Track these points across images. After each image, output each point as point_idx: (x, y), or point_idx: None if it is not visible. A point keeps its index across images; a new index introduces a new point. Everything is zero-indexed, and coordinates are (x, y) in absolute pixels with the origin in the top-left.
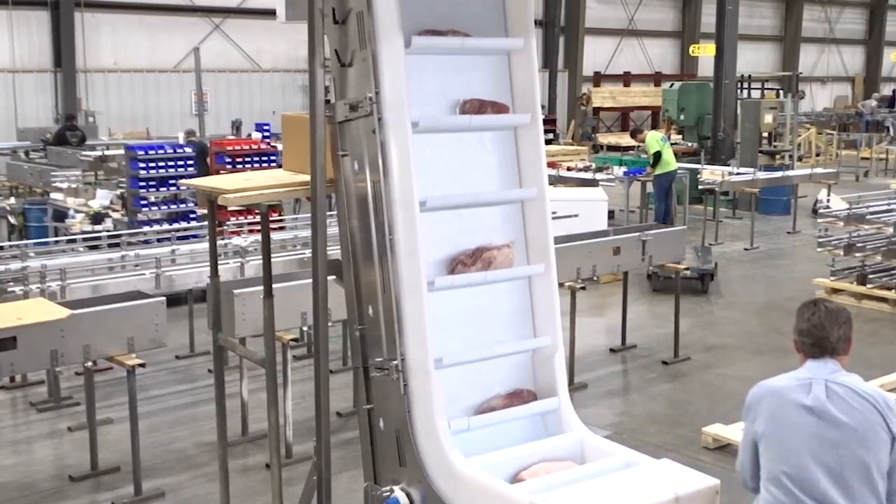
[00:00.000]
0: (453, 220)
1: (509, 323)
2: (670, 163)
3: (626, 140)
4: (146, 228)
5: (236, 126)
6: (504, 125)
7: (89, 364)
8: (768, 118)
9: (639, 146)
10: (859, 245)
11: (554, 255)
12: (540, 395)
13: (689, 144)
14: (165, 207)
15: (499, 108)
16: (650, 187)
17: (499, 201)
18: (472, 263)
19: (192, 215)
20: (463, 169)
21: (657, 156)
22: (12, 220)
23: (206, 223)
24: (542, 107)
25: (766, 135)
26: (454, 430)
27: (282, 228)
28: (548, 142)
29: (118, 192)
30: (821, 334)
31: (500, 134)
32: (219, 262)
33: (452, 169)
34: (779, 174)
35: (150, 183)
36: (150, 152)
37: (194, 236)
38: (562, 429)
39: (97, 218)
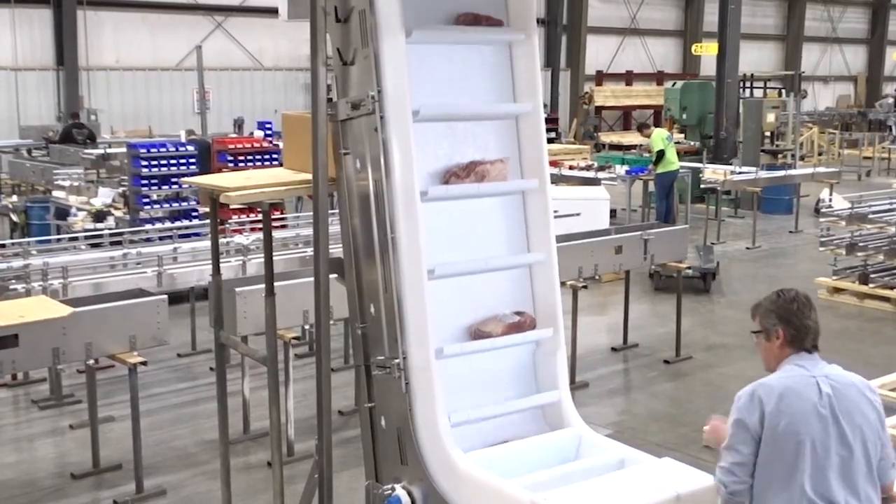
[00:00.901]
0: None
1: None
2: (672, 162)
3: (628, 139)
4: (148, 226)
5: (238, 124)
6: (498, 40)
7: (91, 362)
8: (770, 117)
9: (641, 145)
10: (861, 244)
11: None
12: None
13: (692, 143)
14: (167, 205)
15: (492, 22)
16: (652, 186)
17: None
18: (466, 176)
19: (194, 213)
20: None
21: (660, 154)
22: (14, 217)
23: (207, 221)
24: (545, 105)
25: (768, 134)
26: (454, 422)
27: (283, 227)
28: (550, 140)
29: (120, 190)
30: (817, 329)
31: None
32: (220, 260)
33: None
34: (781, 173)
35: (153, 181)
36: (153, 150)
37: (196, 234)
38: (562, 424)
39: (99, 216)
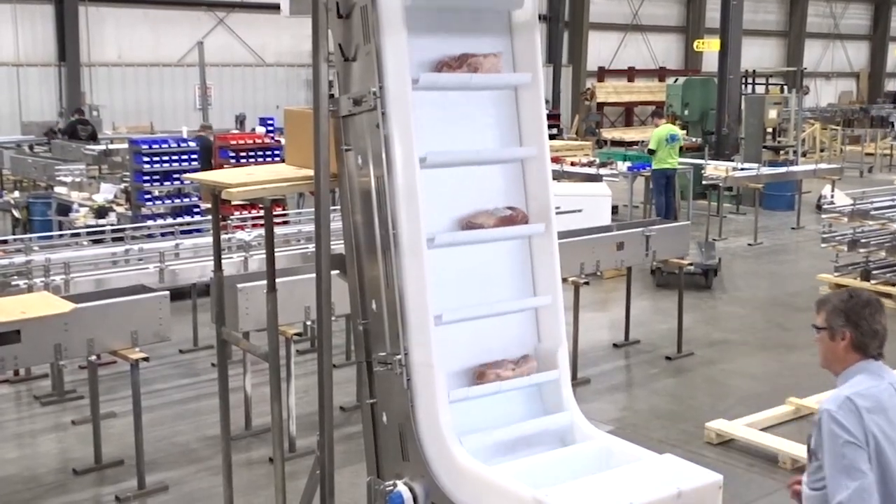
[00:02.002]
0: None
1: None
2: (664, 160)
3: (629, 135)
4: (150, 223)
5: (240, 120)
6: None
7: (93, 358)
8: (772, 114)
9: (642, 141)
10: (863, 241)
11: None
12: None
13: (694, 140)
14: (169, 202)
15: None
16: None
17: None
18: (458, 66)
19: (195, 210)
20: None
21: (650, 152)
22: (16, 213)
23: (209, 217)
24: (546, 101)
25: (770, 130)
26: (453, 398)
27: (285, 223)
28: (552, 137)
29: (122, 186)
30: (884, 335)
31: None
32: (222, 256)
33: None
34: (783, 170)
35: (154, 177)
36: (154, 146)
37: (198, 230)
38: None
39: (101, 212)
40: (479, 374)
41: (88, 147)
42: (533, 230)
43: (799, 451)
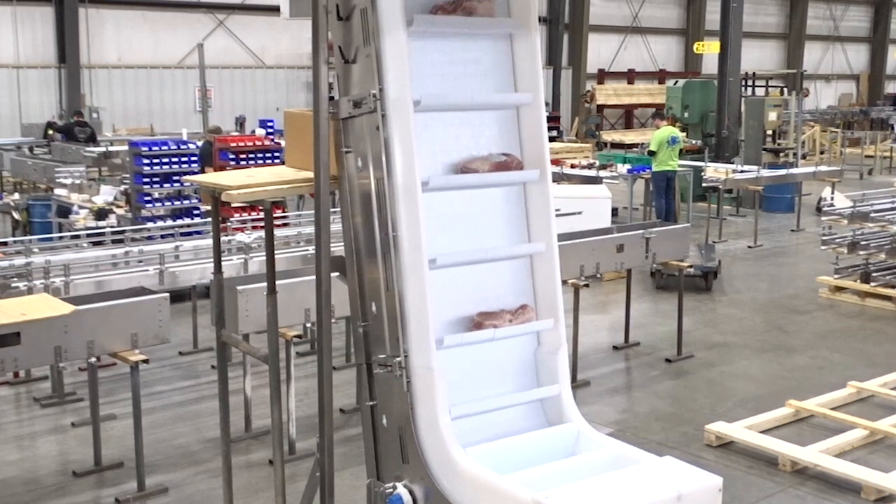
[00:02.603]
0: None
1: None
2: (664, 162)
3: (629, 137)
4: (150, 225)
5: (240, 122)
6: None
7: (93, 360)
8: (772, 116)
9: (642, 144)
10: (863, 243)
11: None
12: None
13: (693, 142)
14: (169, 204)
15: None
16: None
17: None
18: (453, 11)
19: (195, 212)
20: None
21: (651, 154)
22: (16, 215)
23: (209, 219)
24: (546, 104)
25: (770, 132)
26: (454, 415)
27: (285, 225)
28: (551, 139)
29: (122, 188)
30: None
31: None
32: (222, 258)
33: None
34: (783, 172)
35: (154, 179)
36: (154, 148)
37: (198, 233)
38: (561, 419)
39: (101, 214)
40: (476, 325)
41: (88, 149)
42: (527, 176)
43: (799, 453)
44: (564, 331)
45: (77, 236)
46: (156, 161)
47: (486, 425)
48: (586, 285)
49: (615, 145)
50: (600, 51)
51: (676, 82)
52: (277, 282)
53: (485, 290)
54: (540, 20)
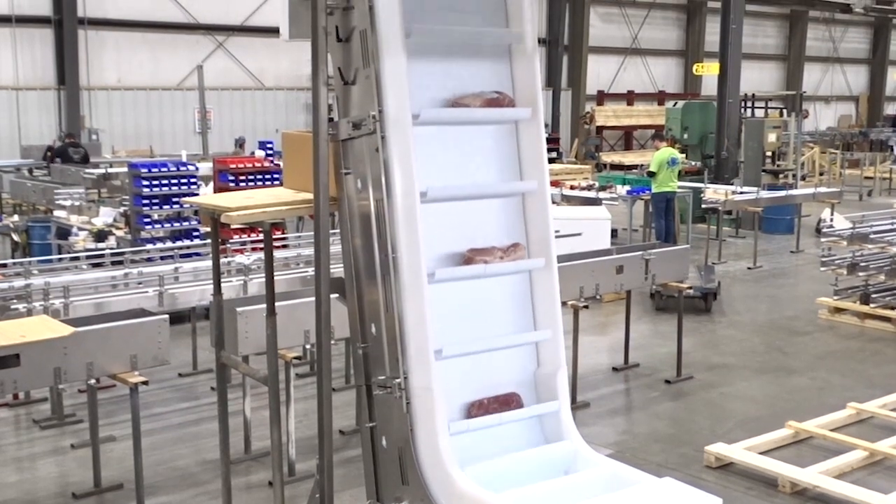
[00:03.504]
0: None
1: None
2: (664, 183)
3: (629, 159)
4: (149, 246)
5: (239, 144)
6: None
7: (92, 381)
8: (772, 137)
9: (642, 165)
10: (862, 264)
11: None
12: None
13: (693, 163)
14: (169, 225)
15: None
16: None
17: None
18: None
19: (195, 233)
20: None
21: (651, 175)
22: (16, 237)
23: (209, 241)
24: (546, 125)
25: (769, 154)
26: (453, 431)
27: (285, 247)
28: (551, 160)
29: (121, 209)
30: None
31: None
32: (222, 279)
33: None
34: (782, 193)
35: (154, 201)
36: (154, 170)
37: (197, 254)
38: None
39: (100, 236)
40: (467, 260)
41: (88, 171)
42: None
43: (798, 474)
44: (564, 350)
45: (76, 258)
46: (155, 183)
47: (486, 442)
48: (586, 307)
49: (615, 167)
50: (600, 72)
51: (676, 103)
52: (277, 303)
53: (476, 228)
54: (539, 41)
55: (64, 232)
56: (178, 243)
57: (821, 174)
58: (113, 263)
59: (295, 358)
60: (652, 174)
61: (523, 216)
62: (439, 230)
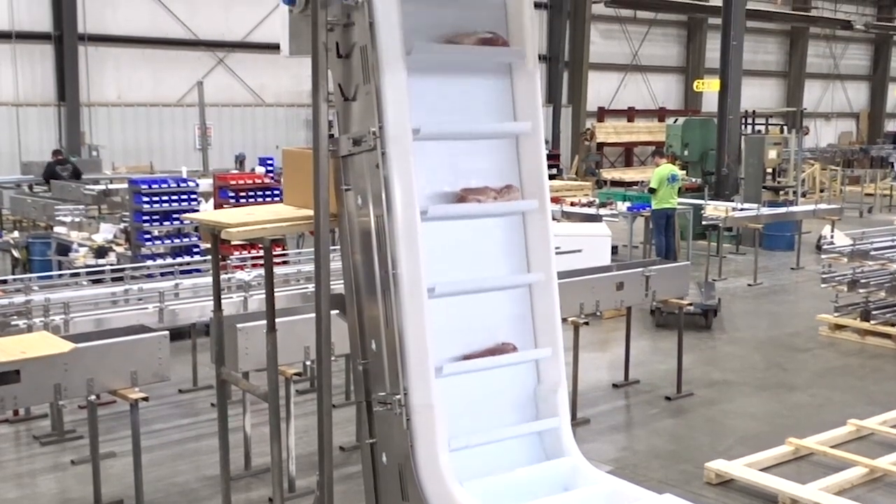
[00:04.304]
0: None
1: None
2: (664, 199)
3: (629, 175)
4: (150, 262)
5: (240, 160)
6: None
7: (92, 398)
8: (772, 154)
9: (642, 181)
10: (863, 281)
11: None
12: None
13: (693, 180)
14: (169, 241)
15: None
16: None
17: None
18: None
19: (195, 250)
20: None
21: (651, 191)
22: (16, 253)
23: (209, 257)
24: (546, 141)
25: (770, 170)
26: (453, 447)
27: (285, 263)
28: (551, 177)
29: (122, 226)
30: None
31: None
32: (222, 296)
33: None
34: (783, 210)
35: (154, 217)
36: (154, 186)
37: (197, 270)
38: (560, 454)
39: (101, 252)
40: (460, 198)
41: (88, 187)
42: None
43: (798, 491)
44: (564, 367)
45: (77, 274)
46: (155, 199)
47: (485, 458)
48: (586, 323)
49: (615, 183)
50: (600, 89)
51: (676, 120)
52: (277, 320)
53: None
54: (540, 58)
55: (64, 248)
56: (179, 259)
57: (821, 191)
58: (113, 279)
59: (295, 374)
60: (652, 191)
61: (524, 235)
62: (441, 252)
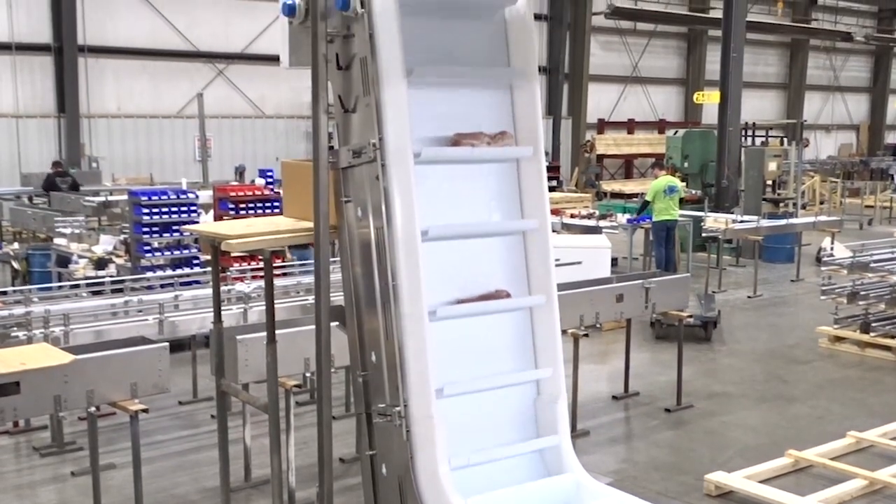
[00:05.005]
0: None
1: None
2: (662, 211)
3: (629, 187)
4: (149, 274)
5: (240, 172)
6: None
7: (92, 409)
8: (772, 166)
9: (642, 194)
10: (863, 293)
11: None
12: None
13: (693, 192)
14: (169, 253)
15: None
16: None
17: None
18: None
19: (195, 261)
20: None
21: (644, 204)
22: (16, 265)
23: (209, 269)
24: (546, 153)
25: (770, 182)
26: (454, 466)
27: (285, 275)
28: (551, 189)
29: (121, 237)
30: None
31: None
32: (222, 308)
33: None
34: (782, 222)
35: (154, 228)
36: (154, 198)
37: (197, 282)
38: (561, 470)
39: (100, 263)
40: (454, 143)
41: (88, 199)
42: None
43: (797, 503)
44: (564, 380)
45: (76, 286)
46: (155, 210)
47: (487, 475)
48: (586, 335)
49: (615, 195)
50: (600, 100)
51: (676, 132)
52: (277, 331)
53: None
54: (540, 70)
55: (64, 260)
56: (179, 271)
57: (821, 203)
58: (113, 291)
59: (295, 386)
60: (646, 203)
61: (524, 254)
62: (440, 269)
